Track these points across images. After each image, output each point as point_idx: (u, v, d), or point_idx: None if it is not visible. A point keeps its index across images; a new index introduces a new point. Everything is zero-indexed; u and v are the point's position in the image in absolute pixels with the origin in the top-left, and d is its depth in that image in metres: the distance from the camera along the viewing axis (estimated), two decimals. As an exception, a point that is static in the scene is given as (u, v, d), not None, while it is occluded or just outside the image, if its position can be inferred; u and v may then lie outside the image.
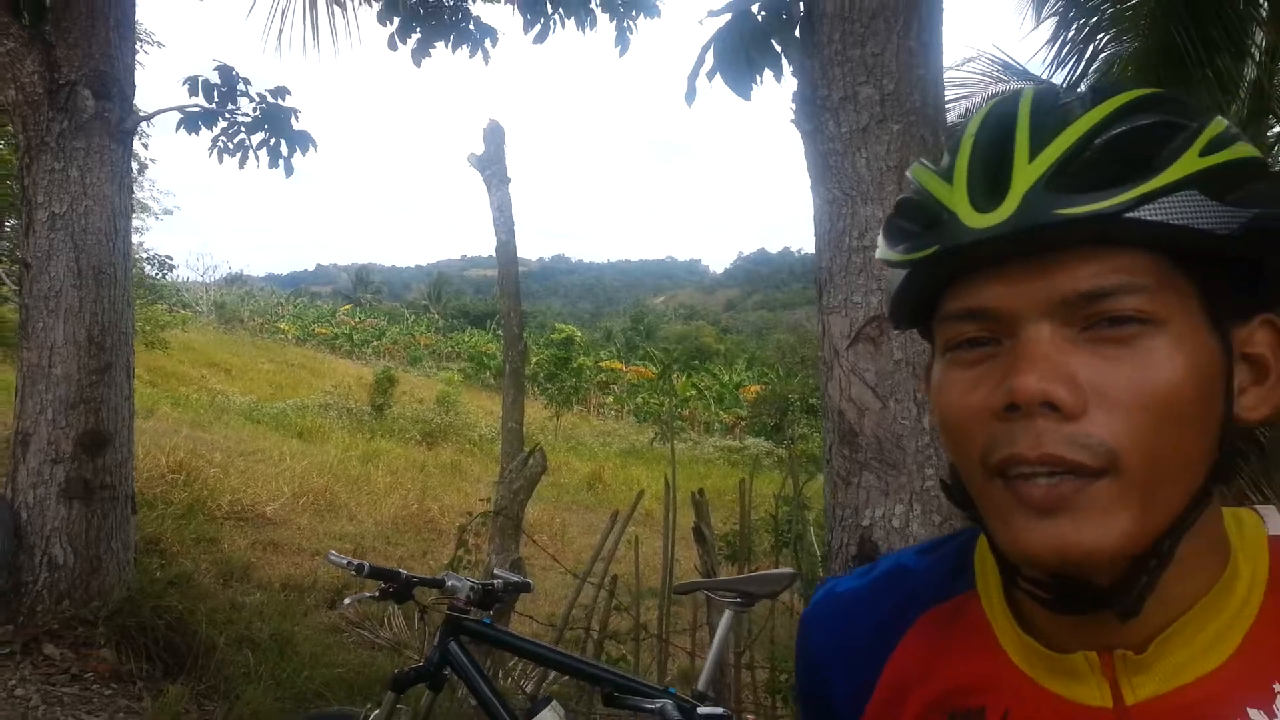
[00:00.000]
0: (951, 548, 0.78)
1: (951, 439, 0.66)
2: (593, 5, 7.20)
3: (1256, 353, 0.65)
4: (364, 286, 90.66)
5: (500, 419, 4.78)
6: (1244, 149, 0.62)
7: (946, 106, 9.15)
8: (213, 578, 6.83)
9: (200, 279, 49.12)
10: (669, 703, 2.11)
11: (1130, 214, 0.58)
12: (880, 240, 0.70)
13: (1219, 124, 0.62)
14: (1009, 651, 0.71)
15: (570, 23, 7.13)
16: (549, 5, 6.88)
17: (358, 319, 53.51)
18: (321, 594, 7.52)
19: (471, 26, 7.41)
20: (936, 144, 2.34)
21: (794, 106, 2.47)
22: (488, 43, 7.49)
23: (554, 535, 11.03)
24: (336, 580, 7.52)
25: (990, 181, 0.62)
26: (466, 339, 48.16)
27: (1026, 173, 0.60)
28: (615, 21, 7.30)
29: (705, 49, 2.58)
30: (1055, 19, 4.24)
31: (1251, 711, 0.62)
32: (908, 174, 0.69)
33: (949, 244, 0.62)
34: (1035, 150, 0.61)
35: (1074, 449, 0.59)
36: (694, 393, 33.41)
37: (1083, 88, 0.66)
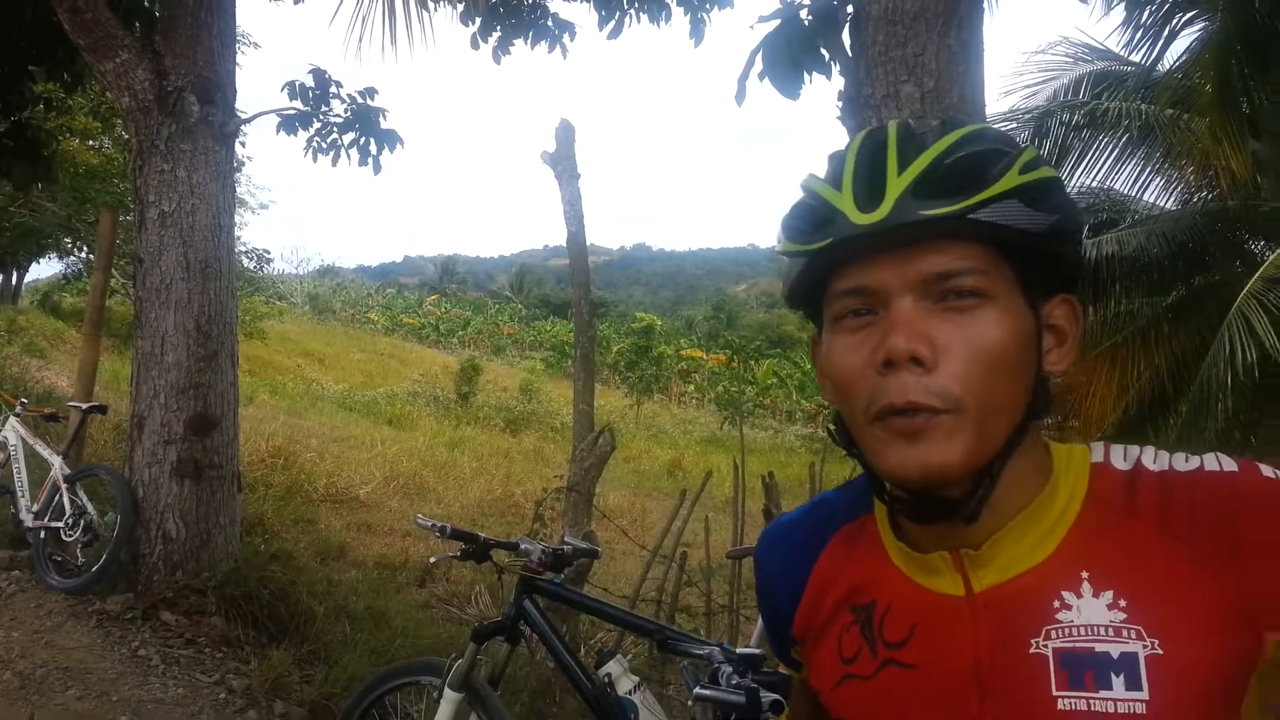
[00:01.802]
0: (860, 483, 0.99)
1: (840, 391, 0.87)
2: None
3: (1057, 323, 0.89)
4: (450, 277, 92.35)
5: (573, 402, 4.97)
6: (1049, 171, 0.85)
7: (1036, 88, 8.94)
8: (311, 555, 7.19)
9: (295, 271, 50.73)
10: (717, 649, 2.27)
11: (971, 215, 0.81)
12: (780, 236, 0.91)
13: (1031, 151, 0.85)
14: (892, 557, 0.94)
15: (644, 17, 7.27)
16: (623, 1, 7.02)
17: (443, 309, 54.59)
18: (412, 572, 7.85)
19: (550, 23, 7.61)
20: None
21: (840, 105, 2.60)
22: (566, 38, 7.67)
23: (634, 520, 11.22)
24: (426, 560, 7.85)
25: (870, 189, 0.83)
26: (548, 328, 48.77)
27: (897, 183, 0.82)
28: (689, 14, 7.42)
29: (755, 52, 2.72)
30: (1125, 1, 4.22)
31: (1065, 593, 0.83)
32: (800, 183, 0.91)
33: (840, 236, 0.83)
34: (902, 166, 0.82)
35: (929, 396, 0.80)
36: (775, 381, 33.28)
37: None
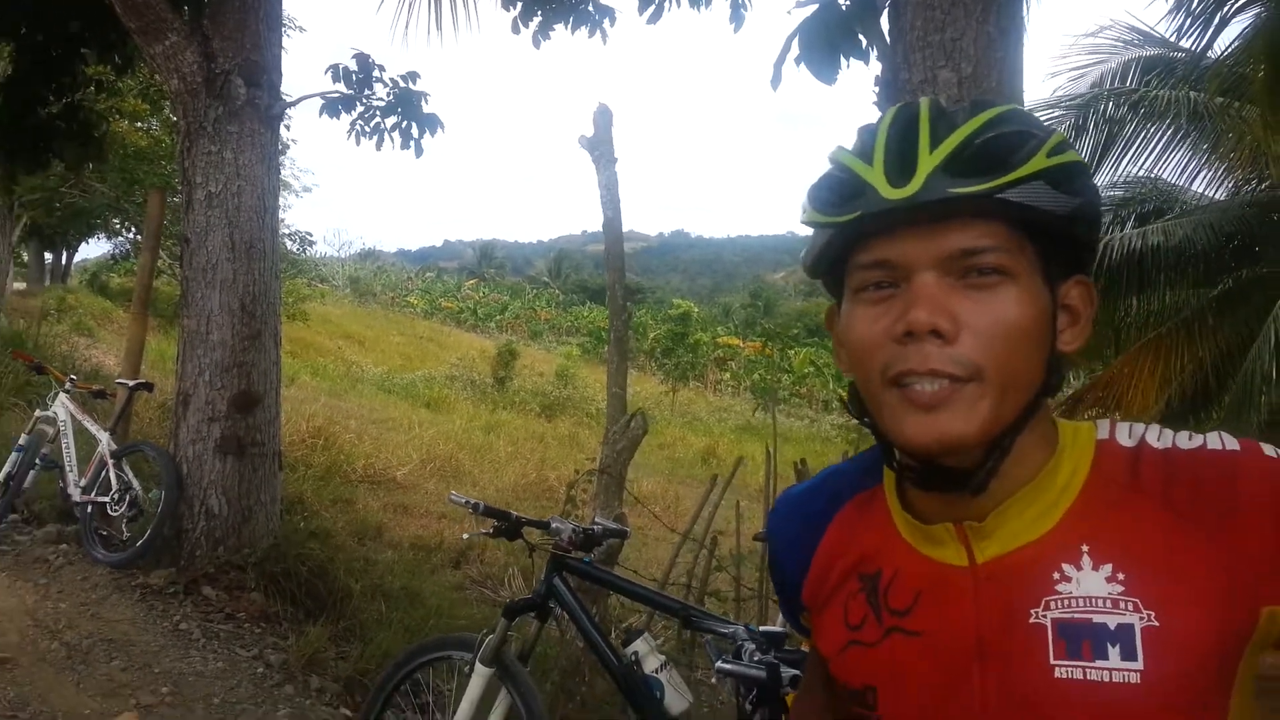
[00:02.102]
0: (871, 455, 1.02)
1: (858, 359, 0.88)
2: (708, -17, 7.29)
3: (1072, 303, 0.91)
4: (488, 262, 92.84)
5: (606, 385, 5.02)
6: (1074, 155, 0.86)
7: (1083, 71, 8.77)
8: (348, 535, 7.30)
9: (336, 254, 51.22)
10: (741, 627, 2.30)
11: (1000, 195, 0.82)
12: (806, 206, 0.92)
13: (1059, 135, 0.86)
14: (899, 527, 0.96)
15: (684, 2, 7.25)
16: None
17: (482, 294, 54.90)
18: (447, 554, 7.96)
19: (590, 7, 7.61)
20: None
21: (876, 90, 2.59)
22: (606, 23, 7.67)
23: (667, 506, 11.25)
24: (460, 542, 7.95)
25: (901, 165, 0.83)
26: (585, 314, 48.88)
27: (929, 160, 0.83)
28: (730, -1, 7.38)
29: (791, 37, 2.72)
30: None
31: (1065, 566, 0.86)
32: (829, 154, 0.91)
33: (870, 209, 0.84)
34: (934, 144, 0.83)
35: (951, 364, 0.82)
36: (812, 369, 33.12)
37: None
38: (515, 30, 7.52)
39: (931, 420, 0.82)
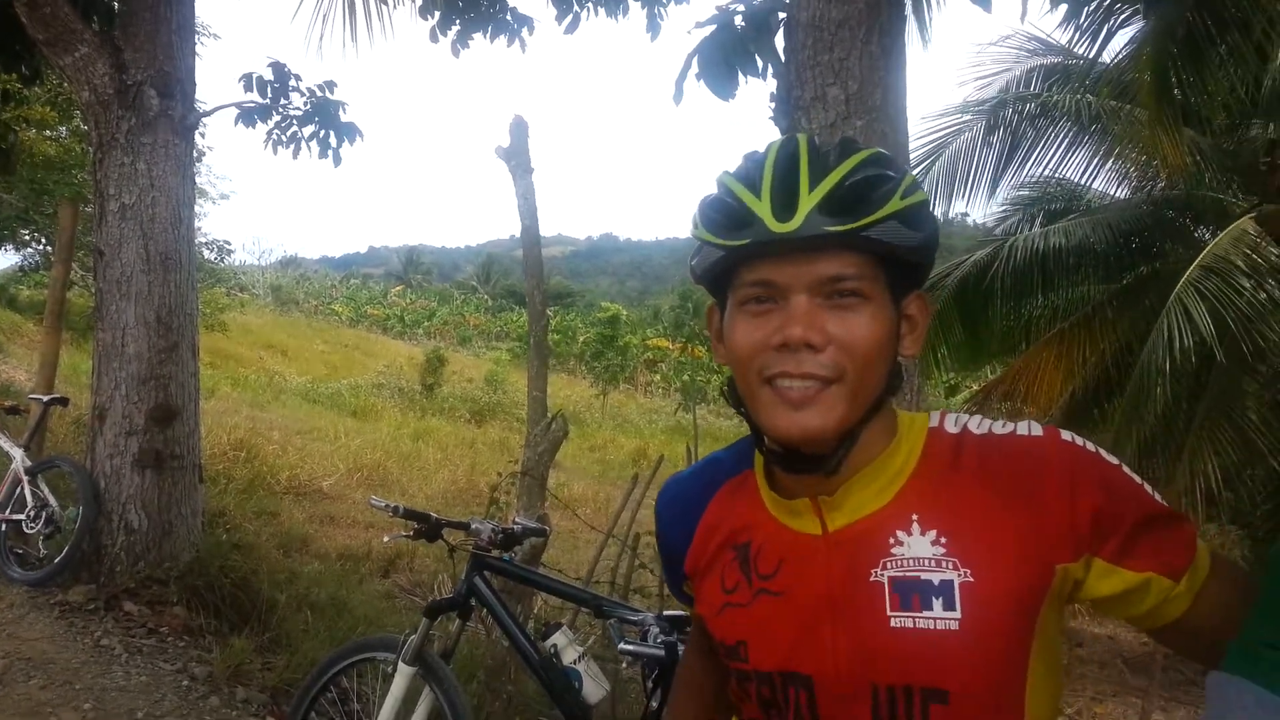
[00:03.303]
0: (743, 444, 1.19)
1: (739, 360, 1.04)
2: (624, -8, 7.42)
3: (912, 315, 1.09)
4: (415, 268, 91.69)
5: (527, 389, 5.11)
6: (922, 195, 1.04)
7: (989, 78, 9.13)
8: (273, 547, 7.24)
9: (256, 262, 50.14)
10: (650, 614, 2.43)
11: (863, 233, 0.99)
12: (698, 223, 1.06)
13: (910, 178, 1.04)
14: (766, 503, 1.13)
15: (602, 11, 7.37)
16: (579, -3, 7.12)
17: (409, 300, 54.29)
18: (376, 563, 7.93)
19: (509, 17, 7.68)
20: (895, 138, 2.62)
21: (772, 106, 2.75)
22: (525, 32, 7.75)
23: (598, 508, 11.35)
24: (389, 551, 7.93)
25: (785, 202, 1.00)
26: (515, 319, 48.66)
27: (808, 200, 0.99)
28: (646, 8, 7.52)
29: (691, 56, 2.87)
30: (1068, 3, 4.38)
31: (899, 532, 1.03)
32: (718, 178, 1.06)
33: (758, 239, 1.00)
34: (812, 185, 0.99)
35: (820, 368, 0.99)
36: (739, 369, 33.35)
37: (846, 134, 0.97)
38: (434, 39, 7.55)
39: (798, 416, 0.99)
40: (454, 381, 24.46)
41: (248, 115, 6.39)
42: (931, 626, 0.98)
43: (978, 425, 1.08)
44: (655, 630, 2.27)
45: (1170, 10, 3.16)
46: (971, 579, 0.98)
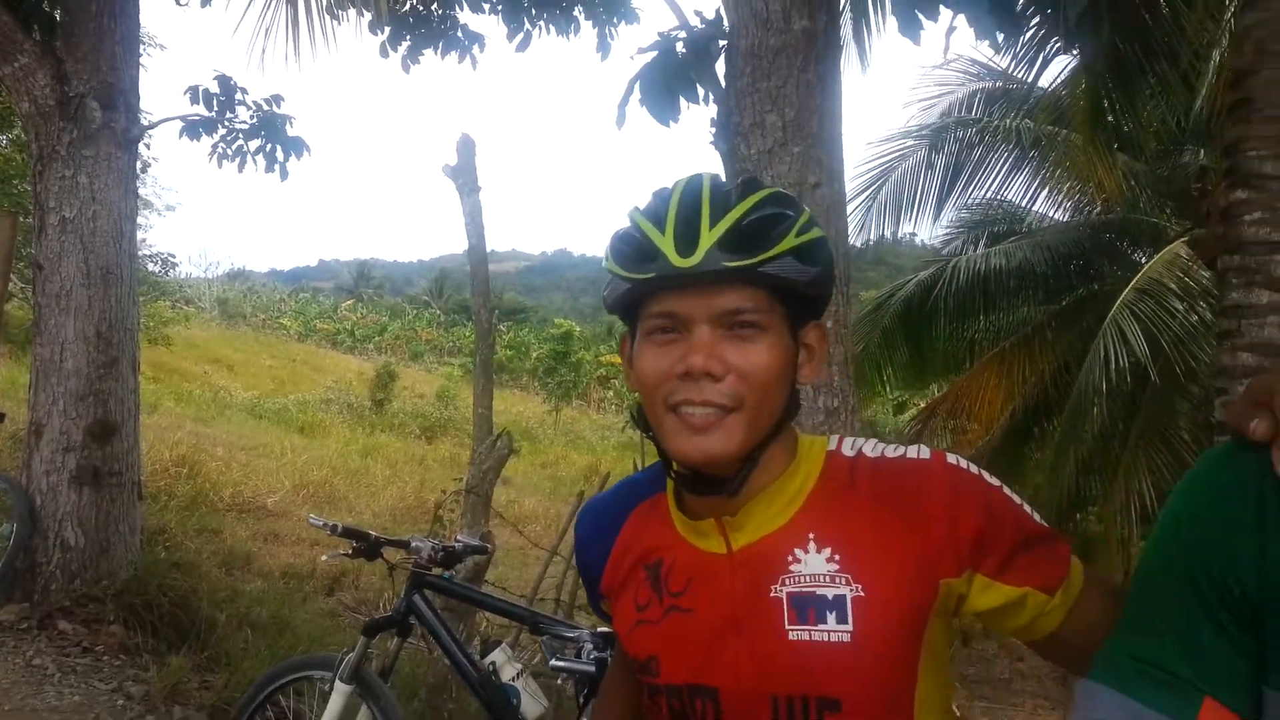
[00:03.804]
0: (657, 467, 1.22)
1: (646, 387, 1.09)
2: (575, 13, 7.50)
3: (810, 343, 1.14)
4: (366, 281, 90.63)
5: (473, 406, 5.12)
6: (817, 232, 1.10)
7: (933, 101, 9.35)
8: (215, 564, 7.11)
9: (203, 275, 49.18)
10: (586, 631, 2.46)
11: (760, 269, 1.04)
12: (609, 257, 1.11)
13: (806, 215, 1.11)
14: (675, 524, 1.18)
15: (553, 30, 7.42)
16: (529, 16, 7.17)
17: (359, 314, 53.66)
18: (320, 581, 7.82)
19: (460, 34, 7.70)
20: (831, 164, 2.69)
21: (713, 131, 2.82)
22: (476, 49, 7.78)
23: (548, 525, 11.32)
24: (334, 569, 7.84)
25: (687, 239, 1.05)
26: (468, 334, 48.25)
27: (708, 237, 1.04)
28: (597, 28, 7.60)
29: (633, 81, 2.93)
30: (1003, 34, 4.51)
31: (797, 550, 1.08)
32: (629, 213, 1.11)
33: (662, 274, 1.05)
34: (713, 222, 1.05)
35: (720, 397, 1.04)
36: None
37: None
38: (384, 54, 7.55)
39: (700, 440, 1.04)
40: (405, 397, 24.22)
41: (192, 128, 6.34)
42: (826, 639, 1.04)
43: (872, 449, 1.14)
44: (589, 646, 2.30)
45: (1090, 43, 3.28)
46: (863, 594, 1.04)
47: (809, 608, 1.05)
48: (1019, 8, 3.09)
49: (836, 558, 1.06)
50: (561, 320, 37.81)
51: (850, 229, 10.90)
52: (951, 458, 1.11)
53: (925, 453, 1.11)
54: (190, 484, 9.71)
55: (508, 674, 2.68)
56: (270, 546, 8.84)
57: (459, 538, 3.06)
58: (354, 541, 2.95)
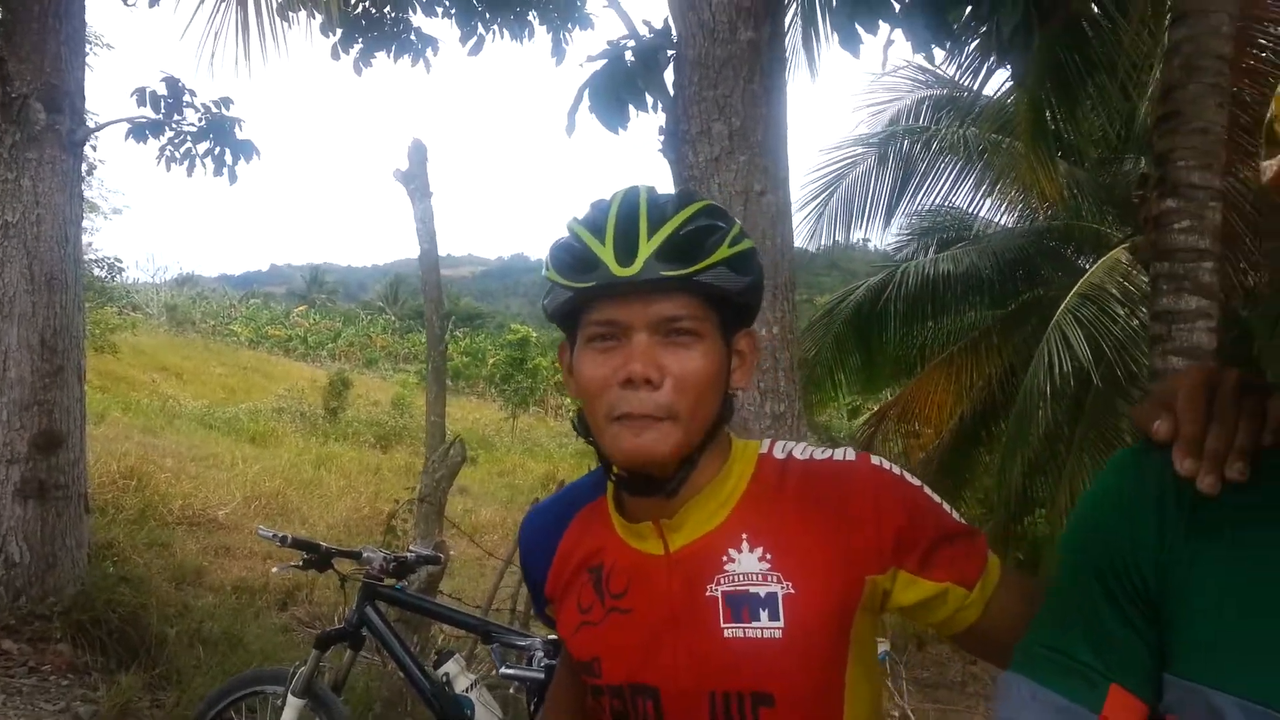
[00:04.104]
0: (599, 472, 1.26)
1: (588, 393, 1.13)
2: (529, 17, 7.50)
3: (742, 350, 1.19)
4: (319, 287, 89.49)
5: (426, 414, 5.10)
6: (749, 243, 1.15)
7: (881, 107, 9.52)
8: (165, 579, 6.99)
9: (151, 280, 48.24)
10: (538, 640, 2.47)
11: (696, 278, 1.09)
12: (550, 265, 1.15)
13: (738, 228, 1.15)
14: (615, 528, 1.22)
15: (507, 34, 7.42)
16: (482, 20, 7.16)
17: (312, 320, 52.96)
18: (273, 596, 7.71)
19: (413, 37, 7.66)
20: (776, 172, 2.76)
21: (661, 139, 2.86)
22: (429, 52, 7.75)
23: (505, 534, 11.27)
24: (288, 583, 7.74)
25: (626, 249, 1.08)
26: (424, 339, 47.64)
27: (647, 247, 1.08)
28: (552, 33, 7.60)
29: (583, 89, 2.97)
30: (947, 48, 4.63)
31: (731, 550, 1.12)
32: (568, 223, 1.15)
33: (602, 282, 1.09)
34: (651, 233, 1.09)
35: (656, 408, 1.08)
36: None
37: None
38: (335, 56, 7.47)
39: (640, 444, 1.08)
40: (359, 405, 23.96)
41: (140, 131, 6.24)
42: (759, 636, 1.08)
43: (801, 451, 1.19)
44: (540, 655, 2.31)
45: (1021, 59, 3.39)
46: (793, 591, 1.09)
47: (743, 606, 1.10)
48: (954, 23, 3.16)
49: (768, 557, 1.11)
50: (518, 326, 37.62)
51: (803, 235, 11.10)
52: (876, 460, 1.16)
53: (851, 455, 1.17)
54: (139, 496, 9.54)
55: (461, 685, 2.68)
56: (221, 560, 8.71)
57: (412, 548, 3.05)
58: (305, 553, 2.93)
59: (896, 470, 1.15)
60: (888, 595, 1.12)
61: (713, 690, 1.10)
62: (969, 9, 3.17)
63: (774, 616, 1.08)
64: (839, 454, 1.17)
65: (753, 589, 1.10)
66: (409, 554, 2.93)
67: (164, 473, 10.98)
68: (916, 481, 1.16)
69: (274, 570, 3.19)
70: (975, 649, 1.20)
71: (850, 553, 1.09)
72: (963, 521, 1.16)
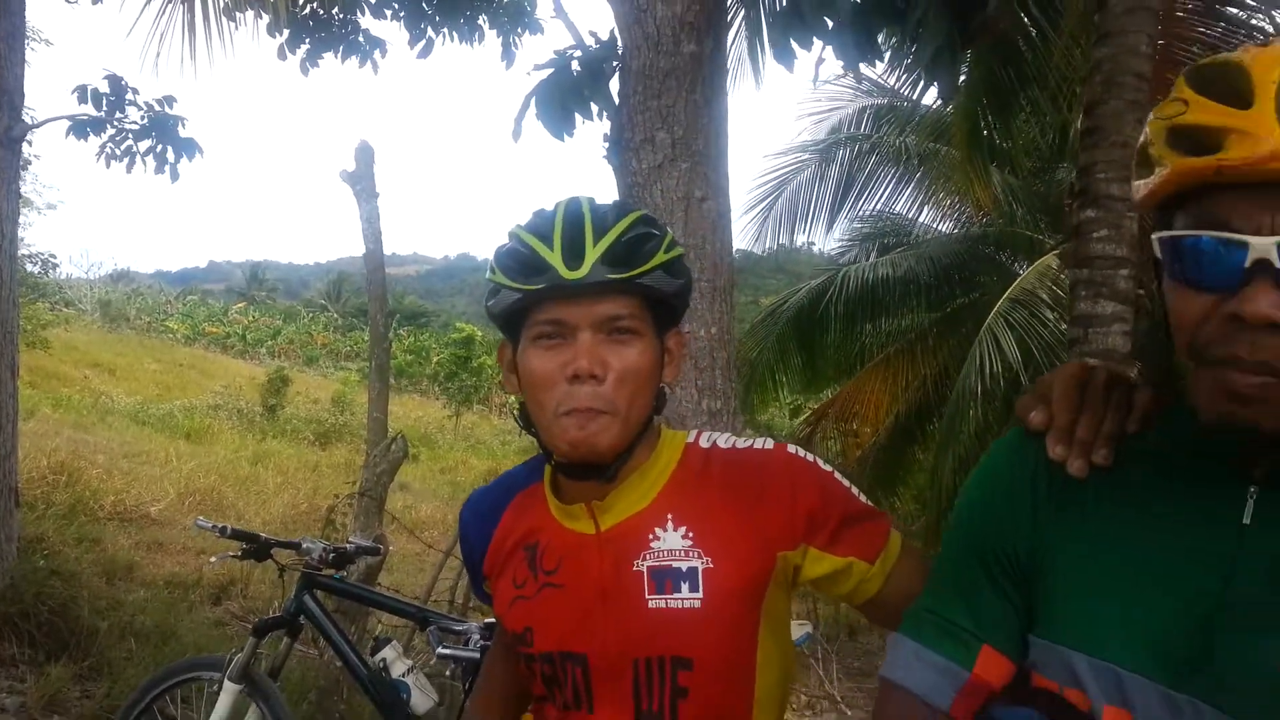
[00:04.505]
0: (535, 460, 1.40)
1: (535, 393, 1.23)
2: (479, 21, 7.53)
3: (671, 348, 1.30)
4: (258, 284, 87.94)
5: (368, 410, 5.12)
6: (680, 250, 1.27)
7: (824, 115, 9.71)
8: (95, 574, 6.88)
9: (84, 276, 47.07)
10: (474, 625, 2.54)
11: (638, 280, 1.20)
12: (496, 270, 1.24)
13: (670, 235, 1.27)
14: (550, 509, 1.33)
15: (456, 37, 7.44)
16: (431, 23, 7.18)
17: (251, 317, 52.06)
18: (206, 590, 7.64)
19: (361, 39, 7.64)
20: (716, 180, 2.87)
21: (606, 146, 2.96)
22: (377, 54, 7.72)
23: (446, 530, 11.23)
24: (222, 577, 7.67)
25: (574, 253, 1.19)
26: (367, 338, 47.16)
27: (593, 252, 1.18)
28: (502, 37, 7.64)
29: (529, 96, 3.06)
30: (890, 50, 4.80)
31: (657, 529, 1.24)
32: (511, 230, 1.24)
33: (552, 284, 1.19)
34: (596, 239, 1.19)
35: (599, 402, 1.19)
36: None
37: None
38: (282, 56, 7.41)
39: (584, 435, 1.18)
40: (298, 402, 23.63)
41: (80, 128, 6.15)
42: (680, 606, 1.19)
43: (725, 441, 1.31)
44: (476, 637, 2.38)
45: (946, 77, 3.55)
46: (711, 565, 1.20)
47: (666, 579, 1.21)
48: (881, 41, 3.30)
49: (691, 535, 1.22)
50: (463, 325, 37.40)
51: (749, 238, 11.28)
52: (791, 448, 1.29)
53: (769, 444, 1.30)
54: (69, 492, 9.35)
55: (398, 670, 2.73)
56: (154, 556, 8.59)
57: (351, 539, 3.09)
58: (244, 543, 2.96)
59: (810, 457, 1.28)
60: (798, 570, 1.24)
61: (636, 657, 1.20)
62: (896, 29, 3.31)
63: (694, 589, 1.19)
64: (759, 443, 1.30)
65: (675, 564, 1.21)
66: (348, 545, 2.97)
67: (95, 469, 10.76)
68: (828, 467, 1.29)
69: (212, 560, 3.21)
70: (878, 617, 1.31)
71: (765, 532, 1.22)
72: (868, 503, 1.29)
